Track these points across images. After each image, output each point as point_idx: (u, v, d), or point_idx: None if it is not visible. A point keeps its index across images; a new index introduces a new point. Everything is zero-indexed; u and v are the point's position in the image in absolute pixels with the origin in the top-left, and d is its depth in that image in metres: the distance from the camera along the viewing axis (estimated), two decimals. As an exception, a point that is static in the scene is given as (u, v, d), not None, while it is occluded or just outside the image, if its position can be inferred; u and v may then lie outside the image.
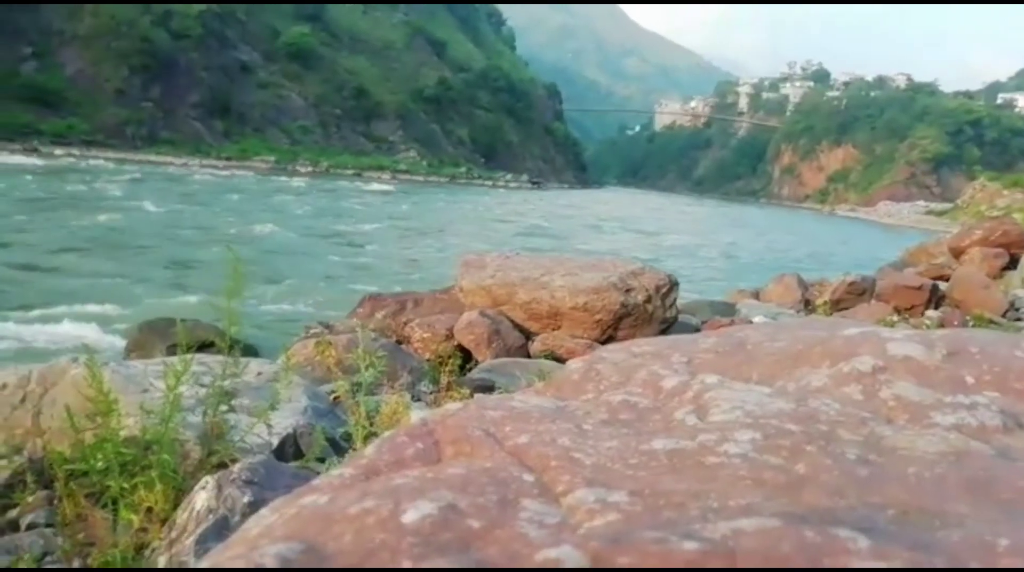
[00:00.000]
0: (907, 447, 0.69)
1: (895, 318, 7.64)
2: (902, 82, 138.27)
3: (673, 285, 6.39)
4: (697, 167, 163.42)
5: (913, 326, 7.26)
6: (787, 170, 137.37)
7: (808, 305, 9.25)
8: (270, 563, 0.48)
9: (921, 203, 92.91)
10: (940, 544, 0.53)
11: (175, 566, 2.08)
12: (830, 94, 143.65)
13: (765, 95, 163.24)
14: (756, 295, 10.18)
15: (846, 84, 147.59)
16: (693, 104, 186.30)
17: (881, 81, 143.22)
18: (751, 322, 7.13)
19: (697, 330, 6.82)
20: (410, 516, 0.52)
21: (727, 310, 8.43)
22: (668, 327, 6.32)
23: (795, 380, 0.86)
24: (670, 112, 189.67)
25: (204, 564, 0.56)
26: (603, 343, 5.93)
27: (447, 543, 0.50)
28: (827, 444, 0.67)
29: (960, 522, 0.57)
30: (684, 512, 0.54)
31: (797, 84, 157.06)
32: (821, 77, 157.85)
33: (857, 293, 8.69)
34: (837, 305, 8.55)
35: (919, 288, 8.39)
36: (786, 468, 0.62)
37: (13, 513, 2.62)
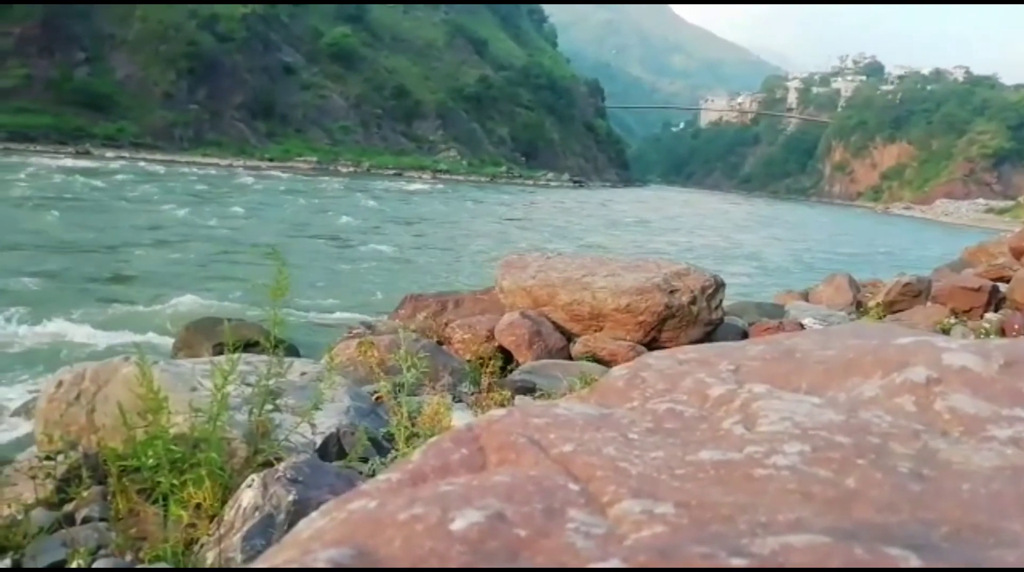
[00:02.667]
0: (962, 461, 0.67)
1: (952, 321, 7.40)
2: (960, 75, 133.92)
3: (719, 286, 6.31)
4: (744, 164, 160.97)
5: (971, 329, 7.03)
6: (838, 167, 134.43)
7: (860, 307, 9.00)
8: (324, 567, 0.50)
9: (981, 201, 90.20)
10: (994, 563, 0.52)
11: (223, 562, 2.13)
12: (884, 88, 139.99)
13: (815, 90, 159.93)
14: (805, 296, 9.96)
15: (901, 78, 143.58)
16: (740, 100, 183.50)
17: (938, 74, 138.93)
18: (800, 324, 7.00)
19: (744, 332, 6.72)
20: (458, 524, 0.53)
21: (775, 312, 8.28)
22: (714, 329, 6.24)
23: (846, 390, 0.85)
24: (716, 108, 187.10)
25: (259, 565, 0.57)
26: (646, 345, 5.88)
27: (495, 552, 0.51)
28: (878, 457, 0.65)
29: (1015, 541, 0.56)
30: (732, 526, 0.54)
31: (849, 78, 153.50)
32: (874, 71, 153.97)
33: (912, 295, 8.43)
34: (891, 307, 8.30)
35: (978, 290, 8.12)
36: (836, 482, 0.61)
37: (69, 507, 2.70)
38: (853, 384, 0.86)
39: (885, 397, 0.81)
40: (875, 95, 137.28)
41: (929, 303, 8.27)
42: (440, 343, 5.91)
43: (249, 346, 3.42)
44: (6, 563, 2.34)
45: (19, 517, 2.54)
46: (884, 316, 7.87)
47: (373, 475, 2.64)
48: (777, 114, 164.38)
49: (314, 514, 0.64)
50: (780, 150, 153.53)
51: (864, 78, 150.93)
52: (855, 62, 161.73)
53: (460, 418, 3.36)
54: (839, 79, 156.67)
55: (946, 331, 6.93)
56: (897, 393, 0.82)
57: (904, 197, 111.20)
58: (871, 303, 8.74)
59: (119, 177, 35.70)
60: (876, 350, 0.92)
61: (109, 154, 51.82)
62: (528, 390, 4.58)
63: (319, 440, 2.98)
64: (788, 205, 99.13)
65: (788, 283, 15.65)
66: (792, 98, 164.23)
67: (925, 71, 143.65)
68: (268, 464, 2.56)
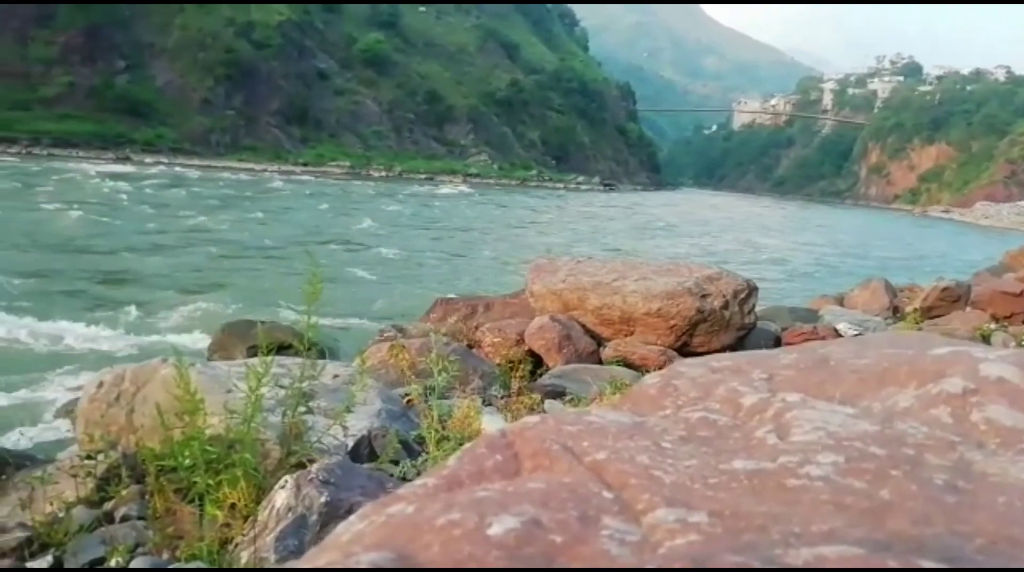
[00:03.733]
0: (998, 474, 0.67)
1: (992, 327, 7.23)
2: (1001, 75, 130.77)
3: (751, 290, 6.24)
4: (778, 167, 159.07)
5: (1012, 335, 6.87)
6: (875, 169, 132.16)
7: (897, 312, 8.82)
8: (365, 569, 0.51)
9: (1022, 203, 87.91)
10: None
11: (257, 561, 2.16)
12: (922, 89, 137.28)
13: (851, 91, 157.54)
14: (840, 301, 9.79)
15: (939, 78, 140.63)
16: (774, 102, 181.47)
17: (978, 74, 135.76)
18: (835, 330, 6.89)
19: (777, 337, 6.65)
20: (495, 529, 0.54)
21: (809, 317, 8.17)
22: (746, 334, 6.18)
23: (880, 400, 0.84)
24: (749, 110, 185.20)
25: (301, 566, 0.59)
26: (677, 349, 5.84)
27: (531, 557, 0.52)
28: (913, 469, 0.65)
29: (1055, 554, 0.55)
30: (765, 536, 0.54)
31: (886, 79, 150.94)
32: (912, 71, 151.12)
33: (951, 300, 8.24)
34: (929, 312, 8.12)
35: (1019, 294, 7.92)
36: (870, 493, 0.61)
37: (109, 505, 2.75)
38: (888, 394, 0.86)
39: (920, 408, 0.81)
40: (913, 96, 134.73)
41: (968, 308, 8.09)
42: (470, 346, 5.93)
43: (282, 349, 3.47)
44: (48, 559, 2.40)
45: (61, 515, 2.60)
46: (922, 321, 7.71)
47: (404, 478, 2.67)
48: (812, 116, 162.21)
49: (352, 517, 0.65)
50: (815, 152, 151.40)
51: (901, 79, 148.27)
52: (892, 63, 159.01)
53: (490, 422, 3.37)
54: (875, 80, 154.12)
55: (986, 337, 6.78)
56: (933, 404, 0.81)
57: (943, 200, 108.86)
58: (908, 308, 8.57)
59: (157, 182, 36.43)
60: (912, 360, 0.91)
61: (148, 159, 52.96)
62: (558, 394, 4.57)
63: (351, 442, 3.00)
64: (823, 208, 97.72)
65: (822, 287, 15.43)
66: (827, 100, 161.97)
67: (965, 71, 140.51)
68: (301, 465, 2.60)
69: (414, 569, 0.51)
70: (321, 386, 3.08)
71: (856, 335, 6.42)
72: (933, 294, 8.39)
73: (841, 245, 36.72)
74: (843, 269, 24.24)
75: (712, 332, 5.97)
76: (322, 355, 4.37)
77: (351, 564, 0.52)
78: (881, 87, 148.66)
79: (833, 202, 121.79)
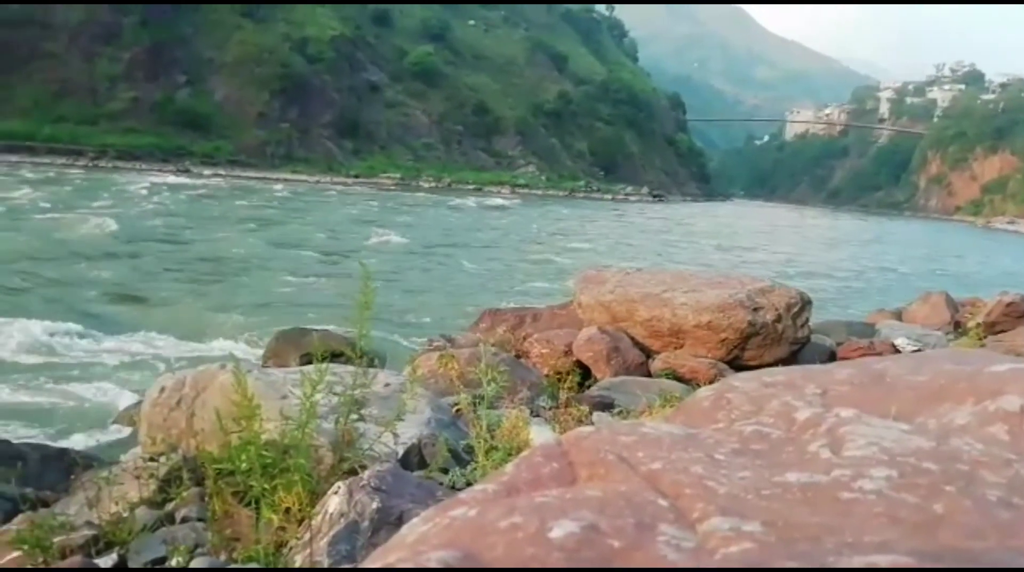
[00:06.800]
0: (1057, 491, 0.66)
1: (1059, 343, 6.95)
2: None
3: (805, 304, 6.12)
4: (832, 178, 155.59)
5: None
6: (935, 180, 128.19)
7: (958, 327, 8.53)
8: (436, 567, 0.54)
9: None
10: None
11: (311, 565, 2.21)
12: (984, 97, 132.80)
13: (909, 100, 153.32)
14: (899, 315, 9.50)
15: (1003, 86, 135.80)
16: (828, 111, 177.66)
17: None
18: (893, 345, 6.72)
19: (832, 352, 6.51)
20: (556, 533, 0.57)
21: (865, 331, 7.97)
22: (800, 348, 6.06)
23: (936, 417, 0.84)
24: (802, 120, 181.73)
25: (370, 566, 0.62)
26: (728, 363, 5.76)
27: (591, 560, 0.54)
28: (967, 485, 0.65)
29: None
30: (818, 545, 0.56)
31: (946, 87, 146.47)
32: (974, 79, 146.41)
33: (1016, 315, 7.93)
34: (992, 328, 7.83)
35: (1087, 309, 7.62)
36: (923, 507, 0.62)
37: (170, 506, 2.84)
38: (944, 411, 0.86)
39: (977, 425, 0.80)
40: (975, 104, 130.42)
41: (1034, 324, 7.79)
42: (518, 357, 5.95)
43: (335, 356, 3.54)
44: (113, 557, 2.49)
45: (125, 514, 2.69)
46: (985, 337, 7.46)
47: (453, 486, 2.70)
48: (868, 126, 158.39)
49: (415, 520, 0.69)
50: (871, 163, 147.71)
51: (962, 87, 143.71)
52: (952, 70, 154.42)
53: (538, 432, 3.37)
54: (935, 88, 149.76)
55: (1053, 355, 6.52)
56: (989, 421, 0.81)
57: (1007, 211, 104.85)
58: (970, 323, 8.29)
59: (215, 192, 37.51)
60: (970, 377, 0.90)
61: (207, 171, 54.62)
62: (606, 406, 4.56)
63: (401, 450, 3.04)
64: (880, 219, 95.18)
65: (880, 301, 15.03)
66: (884, 109, 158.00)
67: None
68: (353, 472, 2.64)
69: (480, 569, 0.54)
70: (372, 394, 3.13)
71: (915, 351, 6.26)
72: (997, 309, 8.09)
73: (899, 257, 35.71)
74: (901, 282, 23.58)
75: (764, 346, 5.87)
76: (373, 364, 4.45)
77: (421, 562, 0.55)
78: (941, 96, 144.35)
79: (891, 213, 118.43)
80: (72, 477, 3.30)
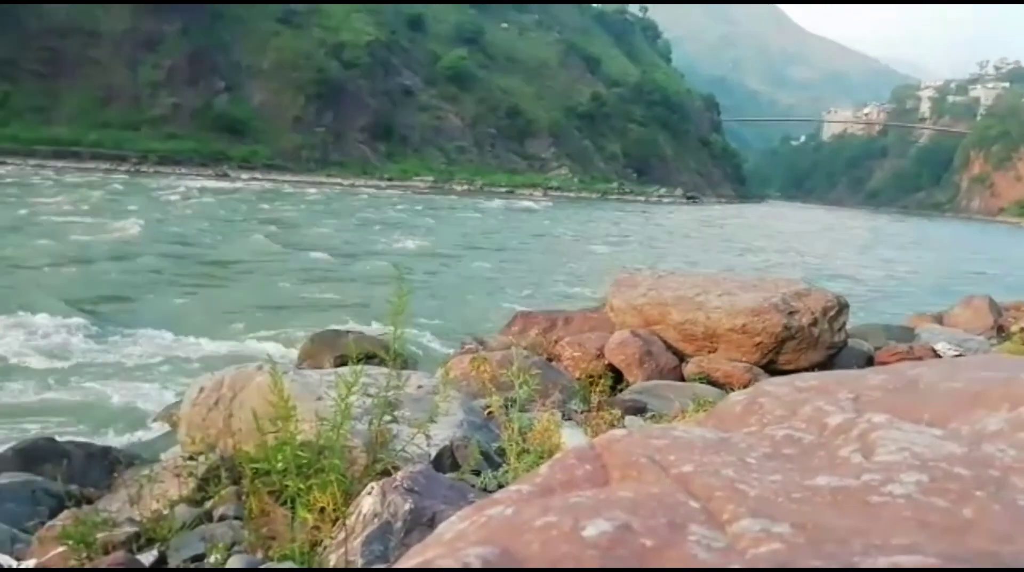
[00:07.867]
0: (1091, 498, 0.66)
1: (1103, 347, 6.77)
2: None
3: (842, 307, 6.03)
4: (871, 178, 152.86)
5: None
6: (977, 180, 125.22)
7: (1002, 332, 8.34)
8: (474, 563, 0.57)
9: None
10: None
11: (345, 564, 2.24)
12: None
13: (951, 99, 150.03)
14: (939, 319, 9.30)
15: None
16: (866, 111, 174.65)
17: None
18: (932, 350, 6.58)
19: (869, 357, 6.41)
20: (590, 531, 0.59)
21: (904, 335, 7.82)
22: (836, 353, 5.97)
23: (970, 423, 0.84)
24: (840, 120, 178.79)
25: (409, 563, 0.65)
26: (763, 367, 5.70)
27: (623, 558, 0.56)
28: (998, 490, 0.66)
29: None
30: (846, 547, 0.56)
31: (990, 85, 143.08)
32: (1018, 77, 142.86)
33: (1060, 318, 7.76)
34: (1036, 332, 7.67)
35: None
36: (952, 511, 0.62)
37: (208, 504, 2.90)
38: (978, 417, 0.85)
39: (1010, 431, 0.80)
40: (1020, 103, 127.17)
41: (1081, 329, 7.59)
42: (550, 360, 5.95)
43: (368, 358, 3.58)
44: (154, 554, 2.55)
45: (165, 512, 2.76)
46: (1029, 342, 7.28)
47: (485, 488, 2.71)
48: (908, 125, 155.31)
49: (453, 518, 0.71)
50: (911, 163, 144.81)
51: (1007, 84, 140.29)
52: (996, 68, 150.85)
53: (570, 436, 3.38)
54: (978, 87, 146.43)
55: (1101, 360, 6.34)
56: (1023, 427, 0.80)
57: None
58: (1014, 328, 8.11)
59: (252, 196, 38.14)
60: (1006, 383, 0.90)
61: (244, 175, 55.60)
62: (639, 410, 4.54)
63: (434, 452, 3.06)
64: (921, 221, 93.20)
65: (920, 305, 14.73)
66: (924, 108, 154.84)
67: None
68: (386, 472, 2.67)
69: (517, 568, 0.56)
70: (406, 396, 3.15)
71: (956, 356, 6.13)
72: (1042, 313, 7.91)
73: (940, 260, 34.95)
74: (943, 285, 23.04)
75: (800, 350, 5.80)
76: (406, 365, 4.49)
77: (459, 558, 0.57)
78: (984, 94, 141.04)
79: (931, 214, 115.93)
80: (115, 475, 3.38)
